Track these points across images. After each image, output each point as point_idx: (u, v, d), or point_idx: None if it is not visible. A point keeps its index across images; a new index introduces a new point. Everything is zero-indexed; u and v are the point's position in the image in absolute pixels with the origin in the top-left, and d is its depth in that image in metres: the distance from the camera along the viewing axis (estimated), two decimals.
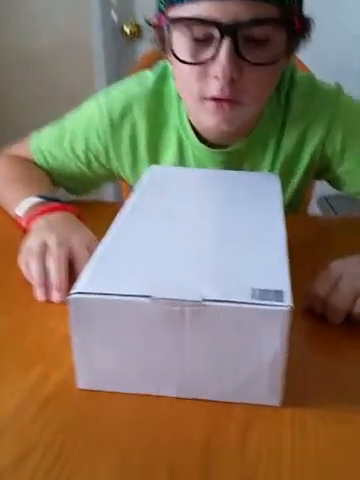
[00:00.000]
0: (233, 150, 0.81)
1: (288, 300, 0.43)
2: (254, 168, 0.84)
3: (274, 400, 0.47)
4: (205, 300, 0.43)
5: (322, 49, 1.29)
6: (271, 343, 0.44)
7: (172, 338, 0.45)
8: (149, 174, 0.73)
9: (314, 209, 1.77)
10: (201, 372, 0.46)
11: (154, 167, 0.77)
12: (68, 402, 0.48)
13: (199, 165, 0.84)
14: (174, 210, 0.61)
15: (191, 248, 0.52)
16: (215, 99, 0.68)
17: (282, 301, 0.43)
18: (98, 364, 0.47)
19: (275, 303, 0.43)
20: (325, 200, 1.88)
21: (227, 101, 0.68)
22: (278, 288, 0.45)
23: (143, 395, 0.48)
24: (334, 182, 0.87)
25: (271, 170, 0.83)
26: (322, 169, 0.85)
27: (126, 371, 0.47)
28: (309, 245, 0.77)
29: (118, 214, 0.59)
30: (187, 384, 0.47)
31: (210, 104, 0.69)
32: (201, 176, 0.74)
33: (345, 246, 0.78)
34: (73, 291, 0.45)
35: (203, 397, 0.47)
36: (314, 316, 0.59)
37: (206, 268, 0.48)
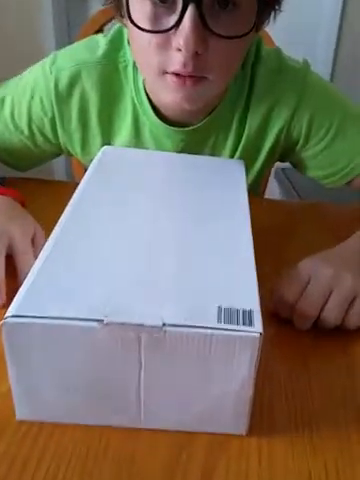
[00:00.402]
0: (194, 129, 0.74)
1: (258, 323, 0.38)
2: (216, 148, 0.78)
3: (240, 429, 0.42)
4: (165, 325, 0.38)
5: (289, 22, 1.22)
6: (239, 371, 0.39)
7: (126, 367, 0.39)
8: (101, 158, 0.66)
9: (270, 180, 1.74)
10: (159, 402, 0.41)
11: (107, 149, 0.69)
12: (4, 434, 0.42)
13: (156, 143, 0.77)
14: (129, 206, 0.54)
15: (148, 257, 0.45)
16: (177, 74, 0.61)
17: (252, 324, 0.38)
18: (39, 395, 0.41)
19: (244, 328, 0.38)
20: (281, 171, 1.85)
21: (190, 77, 0.61)
22: (247, 307, 0.40)
23: (91, 426, 0.42)
24: (298, 165, 0.83)
25: (234, 151, 0.77)
26: (286, 151, 0.80)
27: (72, 403, 0.42)
28: (271, 232, 0.73)
29: (64, 210, 0.52)
30: (143, 415, 0.42)
31: (171, 79, 0.61)
32: (159, 161, 0.67)
33: (309, 233, 0.75)
34: (7, 314, 0.38)
35: (161, 427, 0.43)
36: (279, 320, 0.55)
37: (166, 282, 0.42)
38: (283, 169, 1.84)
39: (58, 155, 0.85)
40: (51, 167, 1.59)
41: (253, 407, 0.41)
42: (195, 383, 0.40)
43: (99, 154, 0.67)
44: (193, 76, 0.61)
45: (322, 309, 0.52)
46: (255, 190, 0.83)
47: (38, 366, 0.40)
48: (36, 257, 0.46)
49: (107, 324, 0.37)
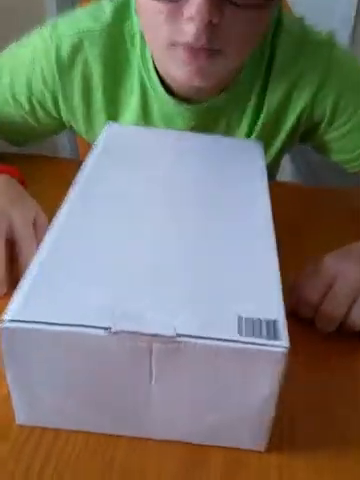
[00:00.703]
0: (207, 106, 0.69)
1: (284, 336, 0.34)
2: (230, 128, 0.72)
3: (259, 445, 0.39)
4: (179, 335, 0.34)
5: None
6: (260, 388, 0.35)
7: (135, 377, 0.36)
8: (107, 136, 0.61)
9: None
10: (170, 415, 0.38)
11: (113, 127, 0.64)
12: (6, 438, 0.39)
13: (166, 121, 0.72)
14: (137, 193, 0.49)
15: (160, 254, 0.41)
16: (188, 47, 0.55)
17: (277, 338, 0.34)
18: (40, 403, 0.38)
19: (268, 342, 0.34)
20: (297, 151, 1.78)
21: (203, 50, 0.55)
22: (271, 317, 0.36)
23: (96, 434, 0.39)
24: (321, 148, 0.77)
25: (250, 131, 0.72)
26: (308, 133, 0.74)
27: (75, 410, 0.38)
28: (289, 220, 0.68)
29: (67, 196, 0.48)
30: (153, 427, 0.38)
31: (182, 52, 0.55)
32: (169, 141, 0.62)
33: (330, 221, 0.71)
34: (5, 317, 0.34)
35: (171, 438, 0.39)
36: (298, 319, 0.51)
37: (180, 285, 0.38)
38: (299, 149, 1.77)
39: (61, 130, 0.80)
40: (55, 142, 1.53)
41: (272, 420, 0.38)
42: (210, 397, 0.36)
43: (104, 132, 0.62)
44: (206, 49, 0.55)
45: (348, 311, 0.48)
46: (271, 174, 0.78)
47: (38, 373, 0.36)
48: (38, 244, 0.42)
49: (116, 332, 0.34)
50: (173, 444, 0.39)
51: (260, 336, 0.34)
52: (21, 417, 0.39)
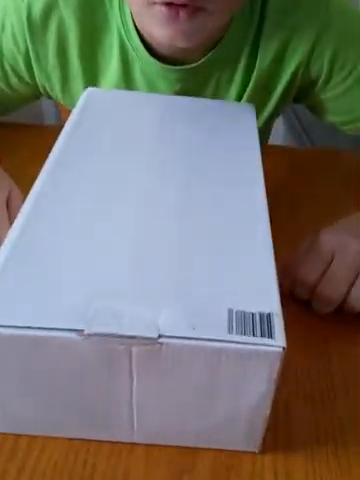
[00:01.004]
0: (193, 67, 0.63)
1: (280, 334, 0.30)
2: (219, 90, 0.67)
3: (252, 445, 0.36)
4: (162, 336, 0.30)
5: None
6: (254, 389, 0.32)
7: (114, 382, 0.32)
8: (86, 102, 0.55)
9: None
10: (155, 419, 0.34)
11: (92, 91, 0.58)
12: None
13: (149, 85, 0.66)
14: (118, 165, 0.45)
15: (142, 237, 0.37)
16: (167, 3, 0.49)
17: (271, 335, 0.30)
18: (12, 408, 0.34)
19: (262, 341, 0.30)
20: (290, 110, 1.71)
21: (184, 7, 0.49)
22: (265, 309, 0.32)
23: (76, 440, 0.36)
24: (315, 108, 0.72)
25: (241, 93, 0.66)
26: (303, 92, 0.69)
27: (51, 417, 0.35)
28: (282, 188, 0.64)
29: (41, 171, 0.43)
30: (137, 431, 0.35)
31: (160, 10, 0.50)
32: (154, 106, 0.57)
33: (326, 187, 0.66)
34: None
35: (157, 443, 0.36)
36: (294, 301, 0.47)
37: (163, 276, 0.34)
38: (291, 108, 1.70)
39: (38, 98, 0.74)
40: (41, 108, 1.46)
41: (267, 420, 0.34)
42: (199, 400, 0.33)
43: (83, 97, 0.56)
44: (187, 6, 0.49)
45: (348, 291, 0.44)
46: (263, 138, 0.73)
47: (8, 378, 0.32)
48: (11, 223, 0.38)
49: (89, 335, 0.30)
50: (160, 449, 0.36)
51: (253, 334, 0.30)
52: None
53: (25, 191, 0.42)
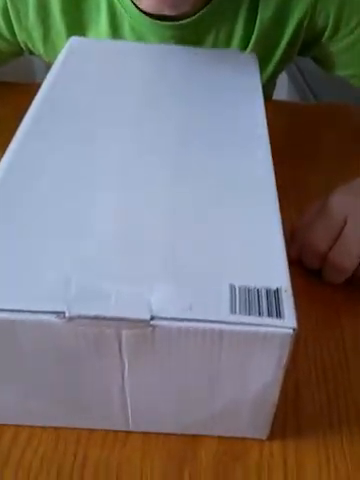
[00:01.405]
0: (187, 23, 0.57)
1: (290, 312, 0.26)
2: (218, 46, 0.61)
3: (259, 433, 0.32)
4: (155, 318, 0.26)
5: None
6: (260, 376, 0.28)
7: (103, 368, 0.28)
8: (69, 51, 0.50)
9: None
10: (151, 407, 0.31)
11: (77, 40, 0.53)
12: None
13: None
14: (105, 117, 0.40)
15: (132, 204, 0.33)
16: None
17: (280, 315, 0.26)
18: None
19: (269, 322, 0.26)
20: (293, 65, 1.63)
21: None
22: (272, 284, 0.28)
23: (65, 429, 0.33)
24: (322, 62, 0.66)
25: (242, 49, 0.61)
26: (307, 46, 0.63)
27: (36, 407, 0.31)
28: (288, 145, 0.59)
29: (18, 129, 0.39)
30: (131, 420, 0.32)
31: None
32: (147, 55, 0.51)
33: (335, 145, 0.62)
34: None
35: (158, 431, 0.33)
36: (303, 271, 0.43)
37: (155, 248, 0.30)
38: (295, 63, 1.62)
39: (20, 54, 0.68)
40: (31, 64, 1.40)
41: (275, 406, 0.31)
42: (198, 387, 0.29)
43: (66, 47, 0.51)
44: None
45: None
46: (267, 93, 0.68)
47: None
48: None
49: (70, 318, 0.26)
50: (158, 437, 0.32)
51: (259, 314, 0.26)
52: None
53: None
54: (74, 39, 0.52)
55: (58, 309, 0.26)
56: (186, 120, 0.41)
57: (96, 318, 0.26)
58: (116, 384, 0.29)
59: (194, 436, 0.32)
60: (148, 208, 0.32)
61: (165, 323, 0.26)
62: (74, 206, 0.32)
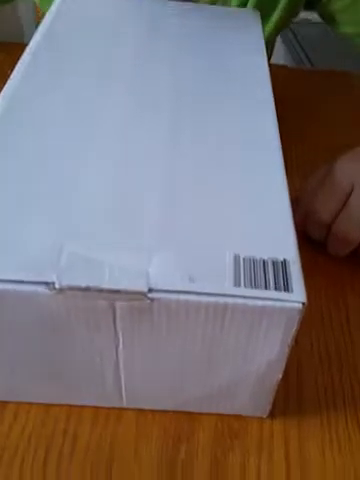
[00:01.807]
0: None
1: (299, 285, 0.25)
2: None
3: (260, 410, 0.31)
4: (152, 291, 0.24)
5: None
6: (265, 352, 0.26)
7: (96, 343, 0.27)
8: (61, 4, 0.47)
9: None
10: (147, 385, 0.29)
11: None
12: None
13: None
14: (100, 71, 0.37)
15: (126, 170, 0.30)
16: None
17: (288, 288, 0.24)
18: None
19: (276, 295, 0.24)
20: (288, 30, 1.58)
21: None
22: (279, 255, 0.26)
23: (54, 405, 0.31)
24: (326, 18, 0.63)
25: (244, 1, 0.58)
26: (310, 2, 0.60)
27: (23, 381, 0.29)
28: (290, 111, 0.57)
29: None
30: (125, 397, 0.30)
31: None
32: (145, 8, 0.48)
33: (338, 112, 0.59)
34: None
35: (154, 408, 0.31)
36: (306, 242, 0.41)
37: (152, 215, 0.27)
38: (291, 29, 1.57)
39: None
40: (20, 24, 1.35)
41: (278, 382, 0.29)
42: (198, 364, 0.27)
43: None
44: None
45: None
46: (268, 49, 0.65)
47: None
48: None
49: (61, 289, 0.24)
50: (154, 414, 0.31)
51: (265, 287, 0.24)
52: None
53: None
54: None
55: (47, 279, 0.24)
56: (185, 85, 0.38)
57: (88, 289, 0.24)
58: (109, 359, 0.27)
59: (191, 413, 0.31)
60: (146, 172, 0.30)
61: (164, 296, 0.24)
62: (67, 169, 0.30)
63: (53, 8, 0.45)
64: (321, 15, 0.64)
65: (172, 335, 0.25)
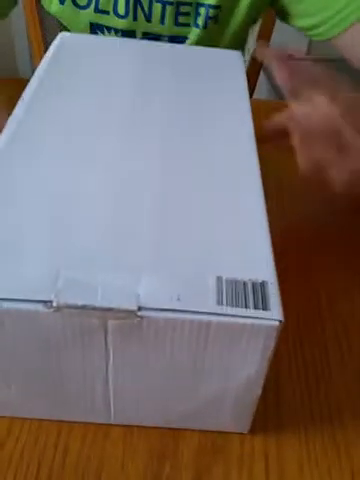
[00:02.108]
0: None
1: (276, 305, 0.27)
2: None
3: (241, 427, 0.33)
4: (142, 309, 0.26)
5: None
6: (245, 367, 0.28)
7: (87, 359, 0.28)
8: (59, 46, 0.50)
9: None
10: (134, 401, 0.31)
11: (66, 36, 0.53)
12: None
13: None
14: (93, 112, 0.40)
15: (119, 195, 0.33)
16: None
17: (266, 307, 0.27)
18: None
19: (255, 314, 0.26)
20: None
21: None
22: (258, 277, 0.28)
23: (45, 422, 0.32)
24: (282, 13, 0.68)
25: None
26: None
27: (14, 398, 0.31)
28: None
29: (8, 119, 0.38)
30: (113, 414, 0.32)
31: None
32: (135, 51, 0.51)
33: None
34: None
35: (139, 424, 0.33)
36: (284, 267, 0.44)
37: (142, 239, 0.30)
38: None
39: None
40: (15, 63, 1.39)
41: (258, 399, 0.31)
42: (182, 379, 0.29)
43: (56, 41, 0.51)
44: None
45: None
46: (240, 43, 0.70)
47: None
48: None
49: (58, 307, 0.26)
50: (140, 431, 0.32)
51: (245, 306, 0.26)
52: None
53: None
54: (64, 35, 0.52)
55: (46, 298, 0.26)
56: (173, 117, 0.41)
57: (83, 308, 0.26)
58: (100, 376, 0.29)
59: (175, 430, 0.32)
60: (137, 199, 0.32)
61: (152, 314, 0.26)
62: (63, 198, 0.32)
63: (49, 53, 0.48)
64: (278, 11, 0.69)
65: (159, 351, 0.28)
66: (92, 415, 0.32)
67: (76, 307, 0.26)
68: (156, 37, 0.66)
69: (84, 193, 0.32)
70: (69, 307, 0.26)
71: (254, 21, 0.71)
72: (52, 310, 0.26)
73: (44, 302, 0.26)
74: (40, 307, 0.26)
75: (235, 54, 0.53)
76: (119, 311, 0.26)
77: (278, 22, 0.75)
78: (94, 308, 0.26)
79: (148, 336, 0.27)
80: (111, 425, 0.32)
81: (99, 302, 0.26)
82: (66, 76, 0.45)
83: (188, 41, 0.67)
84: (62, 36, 0.52)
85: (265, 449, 0.32)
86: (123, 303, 0.26)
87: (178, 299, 0.26)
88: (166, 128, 0.39)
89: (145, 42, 0.56)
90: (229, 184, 0.34)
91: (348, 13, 0.60)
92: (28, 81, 0.43)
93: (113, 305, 0.26)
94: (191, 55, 0.52)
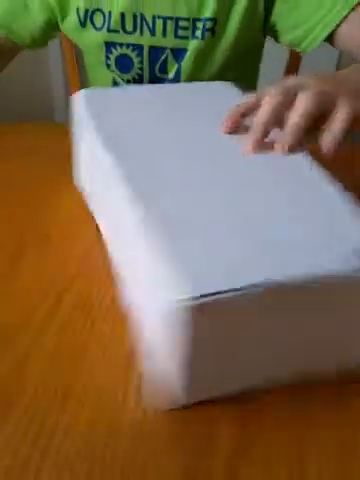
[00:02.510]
0: None
1: None
2: None
3: None
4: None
5: None
6: None
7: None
8: (85, 104, 0.56)
9: None
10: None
11: (86, 92, 0.59)
12: None
13: None
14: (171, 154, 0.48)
15: (241, 208, 0.41)
16: None
17: None
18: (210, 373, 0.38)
19: None
20: None
21: None
22: None
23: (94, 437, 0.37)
24: (273, 31, 0.77)
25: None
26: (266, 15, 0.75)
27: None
28: None
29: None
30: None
31: None
32: (158, 99, 0.58)
33: None
34: (186, 295, 0.33)
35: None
36: None
37: (277, 232, 0.39)
38: None
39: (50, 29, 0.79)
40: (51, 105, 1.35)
41: None
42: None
43: (80, 100, 0.57)
44: None
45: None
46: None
47: (212, 343, 0.36)
48: None
49: (274, 284, 0.34)
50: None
51: None
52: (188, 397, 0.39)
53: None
54: (84, 91, 0.59)
55: (260, 281, 0.34)
56: (223, 145, 0.50)
57: (295, 277, 0.35)
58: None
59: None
60: (250, 204, 0.41)
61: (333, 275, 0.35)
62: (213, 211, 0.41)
63: (83, 113, 0.55)
64: (271, 29, 0.77)
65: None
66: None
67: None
68: (161, 49, 0.77)
69: (223, 211, 0.41)
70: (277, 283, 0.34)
71: (254, 38, 0.79)
72: (266, 289, 0.34)
73: (258, 286, 0.34)
74: (257, 289, 0.34)
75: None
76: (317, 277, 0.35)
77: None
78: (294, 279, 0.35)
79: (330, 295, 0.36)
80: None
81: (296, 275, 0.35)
82: (126, 132, 0.51)
83: (188, 53, 0.77)
84: (84, 94, 0.59)
85: None
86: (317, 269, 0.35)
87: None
88: (231, 166, 0.47)
89: (162, 86, 0.65)
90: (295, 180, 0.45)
91: (338, 10, 0.68)
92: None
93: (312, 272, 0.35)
94: (200, 90, 0.61)
